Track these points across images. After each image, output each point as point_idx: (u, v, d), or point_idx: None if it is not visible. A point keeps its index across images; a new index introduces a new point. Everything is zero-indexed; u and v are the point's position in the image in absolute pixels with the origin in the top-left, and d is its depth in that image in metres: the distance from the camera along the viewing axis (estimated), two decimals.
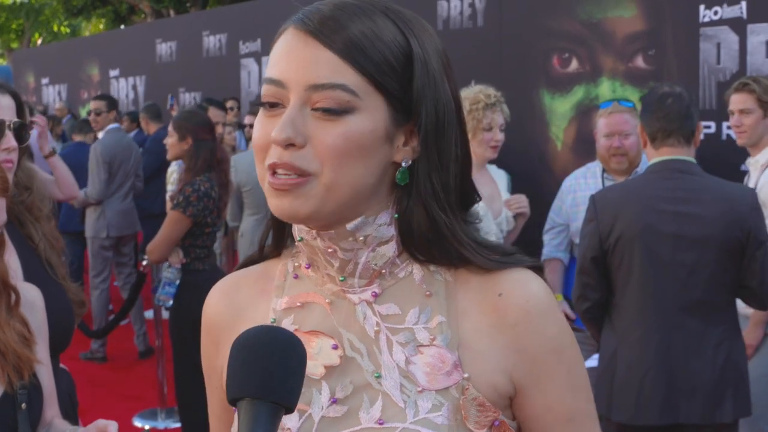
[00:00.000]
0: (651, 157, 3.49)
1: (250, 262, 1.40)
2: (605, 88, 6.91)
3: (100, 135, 7.97)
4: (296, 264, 1.33)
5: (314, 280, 1.30)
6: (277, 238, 1.35)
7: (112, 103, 8.29)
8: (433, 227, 1.23)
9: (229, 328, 1.34)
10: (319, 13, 1.18)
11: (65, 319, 2.31)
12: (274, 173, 1.18)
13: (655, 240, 3.36)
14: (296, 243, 1.29)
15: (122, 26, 24.78)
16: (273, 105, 1.20)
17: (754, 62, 5.99)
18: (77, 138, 8.87)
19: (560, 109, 6.78)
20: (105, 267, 7.70)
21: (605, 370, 3.50)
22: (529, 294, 1.24)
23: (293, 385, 1.06)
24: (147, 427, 6.10)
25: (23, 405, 1.94)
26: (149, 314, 7.84)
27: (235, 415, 1.26)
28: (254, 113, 6.19)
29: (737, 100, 4.19)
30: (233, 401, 1.05)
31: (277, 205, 1.19)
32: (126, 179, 7.71)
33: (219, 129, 7.05)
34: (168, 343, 5.36)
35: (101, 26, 29.47)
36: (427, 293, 1.26)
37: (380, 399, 1.21)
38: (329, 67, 1.15)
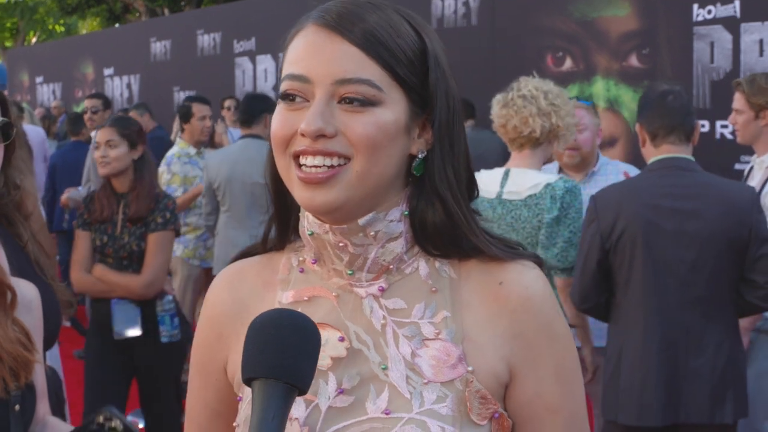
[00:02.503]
0: (650, 156, 3.49)
1: (252, 252, 1.41)
2: (599, 87, 6.92)
3: (95, 134, 7.91)
4: (300, 258, 1.36)
5: (320, 275, 1.33)
6: (282, 232, 1.37)
7: (106, 102, 8.28)
8: (448, 217, 1.27)
9: (234, 319, 1.36)
10: (335, 8, 1.25)
11: (52, 320, 2.30)
12: (300, 166, 1.22)
13: (656, 237, 3.35)
14: (304, 237, 1.31)
15: (117, 25, 24.74)
16: (294, 99, 1.24)
17: (748, 61, 5.99)
18: (74, 137, 8.83)
19: None
20: None
21: (613, 374, 3.46)
22: (528, 281, 1.29)
23: (307, 367, 1.10)
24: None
25: (16, 407, 1.90)
26: None
27: (242, 402, 1.30)
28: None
29: (734, 98, 4.19)
30: (248, 381, 1.10)
31: (308, 197, 1.23)
32: None
33: (207, 123, 6.96)
34: None
35: (96, 25, 29.42)
36: (433, 289, 1.29)
37: (387, 390, 1.24)
38: (354, 61, 1.21)
